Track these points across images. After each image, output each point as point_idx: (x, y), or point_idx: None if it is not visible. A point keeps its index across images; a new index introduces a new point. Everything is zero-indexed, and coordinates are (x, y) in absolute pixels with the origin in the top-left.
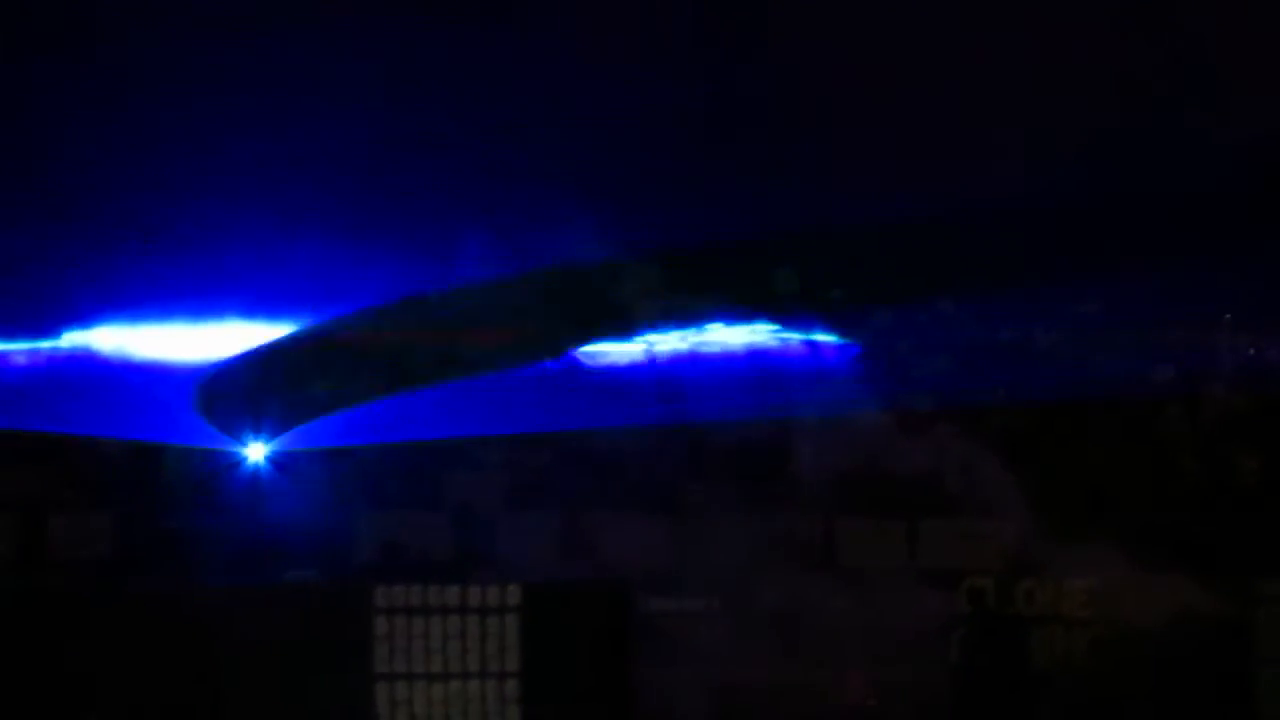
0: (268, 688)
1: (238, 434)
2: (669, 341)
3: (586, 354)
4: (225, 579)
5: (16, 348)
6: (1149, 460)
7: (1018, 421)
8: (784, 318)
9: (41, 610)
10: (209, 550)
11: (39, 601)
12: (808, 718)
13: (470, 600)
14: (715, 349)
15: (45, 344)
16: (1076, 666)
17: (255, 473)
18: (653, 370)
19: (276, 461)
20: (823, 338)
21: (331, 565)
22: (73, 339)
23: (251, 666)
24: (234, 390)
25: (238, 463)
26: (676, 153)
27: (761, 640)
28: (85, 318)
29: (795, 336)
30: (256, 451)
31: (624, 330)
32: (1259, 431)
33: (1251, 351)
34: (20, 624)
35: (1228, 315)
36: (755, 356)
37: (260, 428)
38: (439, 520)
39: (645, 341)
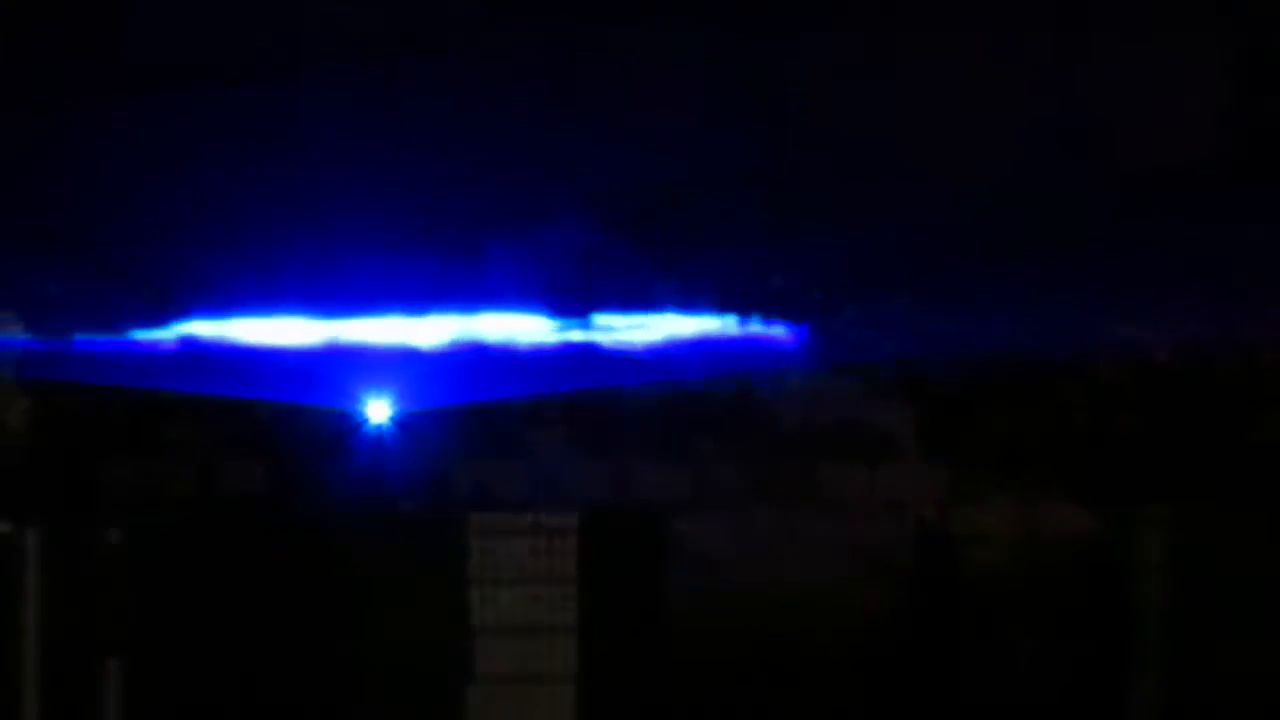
0: (387, 591)
1: (362, 398)
2: (670, 328)
3: (612, 338)
4: (354, 509)
5: (164, 334)
6: (1052, 415)
7: (951, 387)
8: (753, 310)
9: (215, 532)
10: (341, 487)
11: (213, 525)
12: (794, 612)
13: (540, 524)
14: (701, 333)
15: (178, 331)
16: (996, 574)
17: (376, 429)
18: (658, 350)
19: (393, 420)
20: (778, 327)
21: (436, 499)
22: (192, 329)
23: (375, 575)
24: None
25: (361, 421)
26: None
27: (759, 553)
28: (196, 312)
29: (760, 325)
30: (376, 412)
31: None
32: (1135, 394)
33: (1129, 331)
34: (198, 542)
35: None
36: (734, 340)
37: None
38: (517, 465)
39: (648, 327)
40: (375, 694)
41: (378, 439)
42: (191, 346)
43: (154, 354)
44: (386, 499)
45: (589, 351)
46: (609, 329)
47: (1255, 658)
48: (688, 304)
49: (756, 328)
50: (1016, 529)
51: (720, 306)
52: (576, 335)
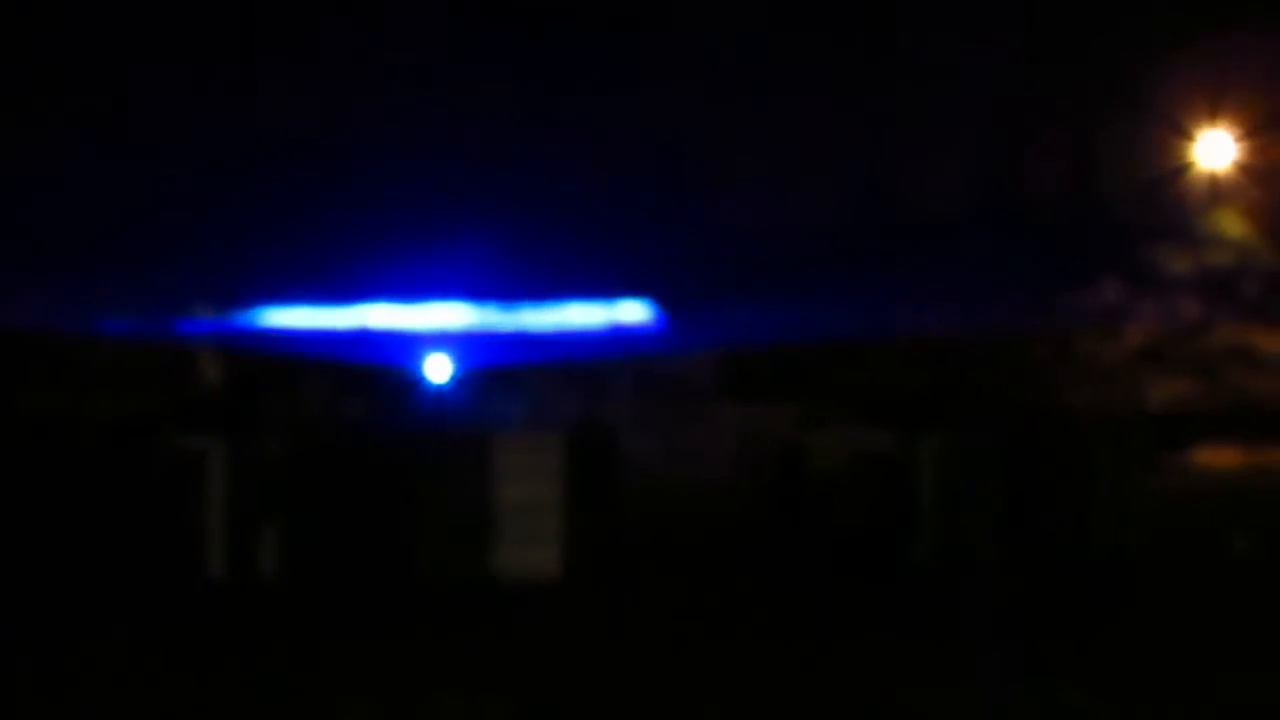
0: (441, 484)
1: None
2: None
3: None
4: (420, 431)
5: (293, 318)
6: (870, 372)
7: (802, 354)
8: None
9: (335, 445)
10: (412, 417)
11: (334, 440)
12: (697, 494)
13: (536, 443)
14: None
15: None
16: (829, 475)
17: (434, 381)
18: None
19: (447, 377)
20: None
21: (472, 426)
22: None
23: (433, 474)
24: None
25: (422, 376)
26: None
27: (675, 458)
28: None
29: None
30: (434, 371)
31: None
32: (922, 358)
33: (921, 318)
34: (324, 451)
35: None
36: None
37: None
38: (522, 405)
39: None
40: (434, 549)
41: (436, 387)
42: (306, 328)
43: (294, 333)
44: (441, 424)
45: (521, 335)
46: (527, 318)
47: (993, 529)
48: (580, 295)
49: (632, 312)
50: (842, 445)
51: (605, 295)
52: (502, 323)
